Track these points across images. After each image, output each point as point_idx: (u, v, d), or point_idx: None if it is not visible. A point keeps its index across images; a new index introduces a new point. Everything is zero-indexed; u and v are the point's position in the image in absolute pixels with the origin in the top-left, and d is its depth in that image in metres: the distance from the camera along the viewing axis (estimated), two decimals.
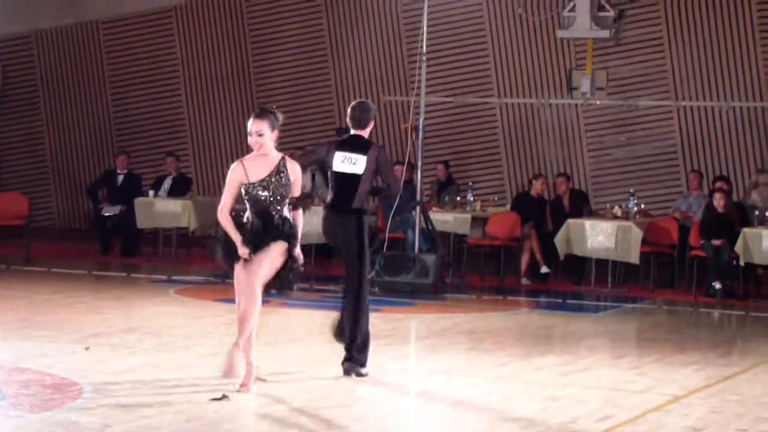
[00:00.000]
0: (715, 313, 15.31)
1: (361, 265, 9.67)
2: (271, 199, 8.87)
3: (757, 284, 16.73)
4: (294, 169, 9.00)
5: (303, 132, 20.16)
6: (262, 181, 8.89)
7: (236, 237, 8.89)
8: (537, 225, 17.70)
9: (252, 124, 8.96)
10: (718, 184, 17.05)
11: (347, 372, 9.57)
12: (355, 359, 9.60)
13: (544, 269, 17.31)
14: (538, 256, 17.37)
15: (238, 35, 21.63)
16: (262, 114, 8.98)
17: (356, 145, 9.84)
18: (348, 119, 9.98)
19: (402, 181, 17.32)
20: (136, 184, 19.67)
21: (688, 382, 10.03)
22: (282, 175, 8.90)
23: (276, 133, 9.01)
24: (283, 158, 9.00)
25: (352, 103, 10.09)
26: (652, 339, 12.91)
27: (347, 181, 9.69)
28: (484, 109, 20.45)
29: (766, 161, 18.76)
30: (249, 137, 8.99)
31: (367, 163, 9.74)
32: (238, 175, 8.95)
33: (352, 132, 9.93)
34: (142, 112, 22.15)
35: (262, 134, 8.93)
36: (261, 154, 8.96)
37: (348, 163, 9.73)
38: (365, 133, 9.92)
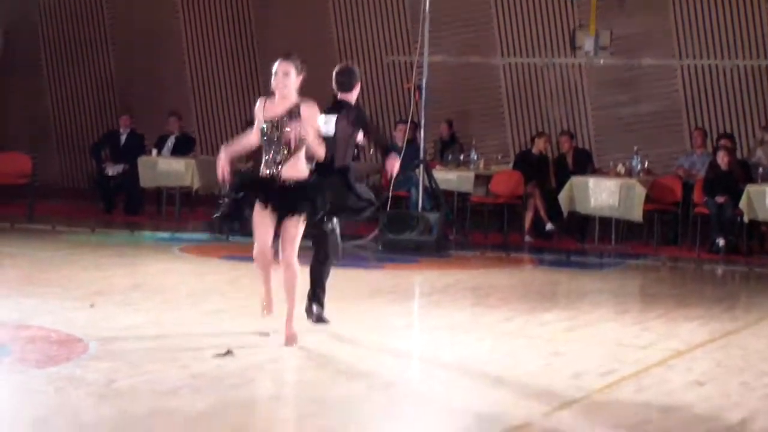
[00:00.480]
0: (718, 269, 15.33)
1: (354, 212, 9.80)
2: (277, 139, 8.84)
3: (760, 241, 16.73)
4: (307, 110, 8.93)
5: (305, 93, 20.06)
6: (274, 118, 8.89)
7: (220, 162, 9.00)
8: (540, 183, 17.71)
9: (279, 65, 9.01)
10: (722, 141, 17.03)
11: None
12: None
13: (549, 226, 17.33)
14: (542, 213, 17.38)
15: None
16: (289, 56, 9.06)
17: (335, 107, 9.92)
18: (333, 84, 10.01)
19: (405, 140, 17.34)
20: (138, 143, 19.68)
21: (691, 337, 10.05)
22: (294, 115, 8.86)
23: (300, 78, 9.02)
24: (299, 101, 8.96)
25: (336, 68, 10.11)
26: (656, 295, 12.92)
27: (327, 142, 9.64)
28: (488, 69, 20.38)
29: None
30: (274, 78, 9.00)
31: (336, 123, 9.76)
32: (258, 109, 9.02)
33: (339, 96, 9.98)
34: (145, 72, 22.09)
35: (288, 74, 8.96)
36: (282, 97, 8.94)
37: (325, 125, 9.74)
38: (350, 96, 9.97)
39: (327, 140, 9.56)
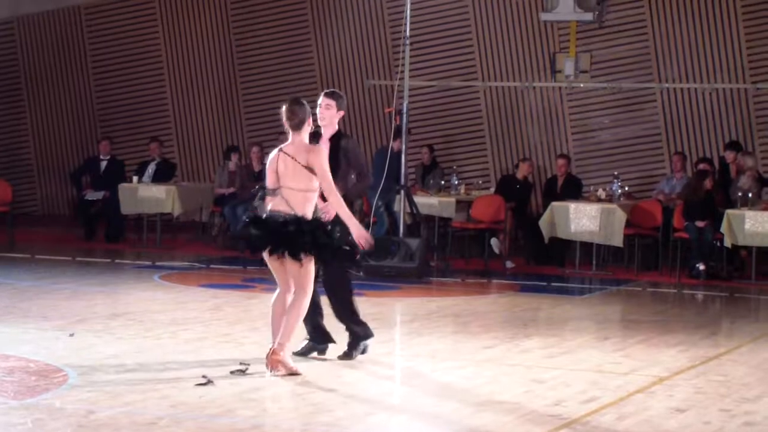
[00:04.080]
0: (699, 294, 15.36)
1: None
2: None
3: (740, 266, 16.77)
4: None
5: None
6: None
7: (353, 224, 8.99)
8: (518, 208, 17.74)
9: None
10: (702, 165, 17.06)
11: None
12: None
13: (508, 263, 17.23)
14: (506, 243, 17.33)
15: (222, 20, 21.58)
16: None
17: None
18: None
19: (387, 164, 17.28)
20: (119, 169, 19.64)
21: (672, 364, 10.06)
22: None
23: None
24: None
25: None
26: (637, 321, 12.94)
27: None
28: (468, 93, 20.44)
29: (748, 143, 18.78)
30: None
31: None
32: None
33: None
34: (126, 98, 22.09)
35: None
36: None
37: None
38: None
39: None
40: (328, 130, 9.68)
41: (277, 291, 9.09)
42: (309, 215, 8.95)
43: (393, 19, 20.23)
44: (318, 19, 21.02)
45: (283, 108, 9.15)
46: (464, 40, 20.39)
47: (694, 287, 15.68)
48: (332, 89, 9.77)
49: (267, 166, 9.12)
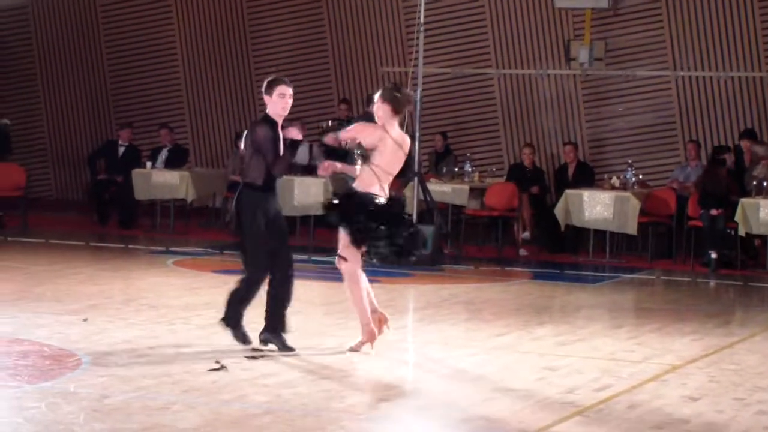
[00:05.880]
0: (712, 283, 15.33)
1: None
2: None
3: (754, 255, 16.73)
4: None
5: (300, 103, 20.00)
6: None
7: None
8: (531, 194, 17.72)
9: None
10: (725, 155, 16.91)
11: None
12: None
13: (525, 234, 17.29)
14: (526, 224, 17.38)
15: (236, 6, 21.56)
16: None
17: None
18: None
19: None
20: (136, 155, 19.67)
21: (685, 352, 10.05)
22: None
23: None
24: None
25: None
26: (650, 309, 12.92)
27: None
28: (482, 80, 20.40)
29: (764, 131, 18.71)
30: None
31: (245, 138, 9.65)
32: None
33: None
34: (140, 83, 22.10)
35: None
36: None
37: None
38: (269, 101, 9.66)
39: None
40: None
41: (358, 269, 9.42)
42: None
43: (407, 5, 20.18)
44: (332, 5, 20.99)
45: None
46: (478, 27, 20.34)
47: (708, 276, 15.65)
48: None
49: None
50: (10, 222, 18.26)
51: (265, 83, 9.67)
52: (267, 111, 9.66)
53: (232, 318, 9.49)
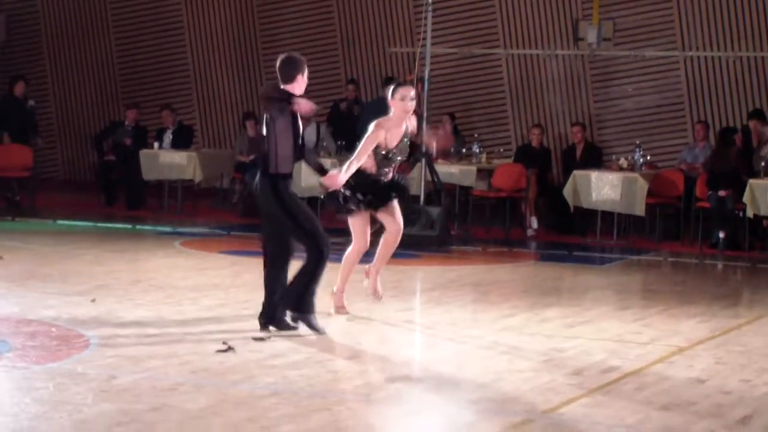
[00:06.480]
0: (719, 265, 15.31)
1: (277, 235, 9.34)
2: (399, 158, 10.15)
3: (762, 236, 16.71)
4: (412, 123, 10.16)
5: (308, 84, 20.05)
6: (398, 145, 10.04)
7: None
8: (540, 176, 17.69)
9: (411, 90, 9.99)
10: (735, 136, 16.87)
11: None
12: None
13: (532, 226, 17.25)
14: (532, 210, 17.36)
15: None
16: (411, 83, 10.01)
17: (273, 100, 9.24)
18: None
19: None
20: (144, 135, 19.67)
21: (692, 334, 10.05)
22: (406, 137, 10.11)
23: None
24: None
25: (280, 57, 9.47)
26: (657, 291, 12.91)
27: (263, 141, 9.32)
28: (490, 61, 20.36)
29: None
30: (407, 102, 9.90)
31: (265, 121, 9.27)
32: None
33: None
34: (147, 63, 22.09)
35: (413, 99, 9.97)
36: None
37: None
38: (292, 88, 9.28)
39: (264, 139, 9.29)
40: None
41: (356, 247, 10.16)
42: None
43: None
44: None
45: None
46: (486, 7, 20.30)
47: (715, 257, 15.64)
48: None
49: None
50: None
51: (298, 65, 9.31)
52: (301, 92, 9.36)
53: (308, 303, 9.25)
